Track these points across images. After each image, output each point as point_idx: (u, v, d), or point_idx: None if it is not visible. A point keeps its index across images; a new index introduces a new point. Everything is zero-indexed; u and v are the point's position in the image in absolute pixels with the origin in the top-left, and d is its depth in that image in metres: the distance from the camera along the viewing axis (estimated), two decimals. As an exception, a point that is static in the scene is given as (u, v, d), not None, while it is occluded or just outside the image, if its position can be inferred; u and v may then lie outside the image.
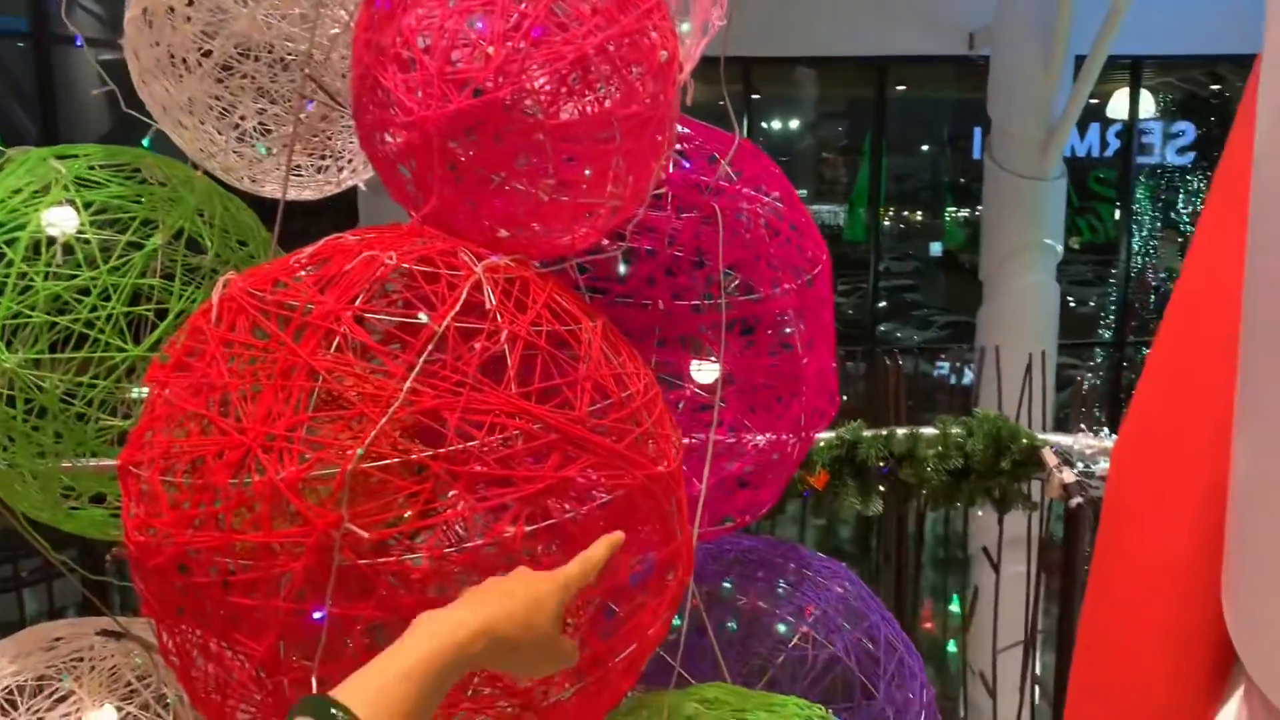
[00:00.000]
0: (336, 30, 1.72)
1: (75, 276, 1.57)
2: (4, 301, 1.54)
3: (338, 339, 1.10)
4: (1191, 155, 11.55)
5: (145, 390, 1.29)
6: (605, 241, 1.63)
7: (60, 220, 1.60)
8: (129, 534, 1.16)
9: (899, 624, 1.88)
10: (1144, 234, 11.80)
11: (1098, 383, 11.59)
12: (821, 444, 2.66)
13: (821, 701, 1.56)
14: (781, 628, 1.74)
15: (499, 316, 1.14)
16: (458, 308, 1.12)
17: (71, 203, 1.62)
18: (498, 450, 1.09)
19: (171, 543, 1.10)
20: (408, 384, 1.07)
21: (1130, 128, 10.74)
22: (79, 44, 2.20)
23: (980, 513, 3.02)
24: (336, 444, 1.06)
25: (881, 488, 2.71)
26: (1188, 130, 11.41)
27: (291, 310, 1.13)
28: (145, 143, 1.82)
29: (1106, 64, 7.80)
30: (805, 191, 11.43)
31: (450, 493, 1.10)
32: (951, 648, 5.74)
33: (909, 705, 1.70)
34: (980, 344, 7.99)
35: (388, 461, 1.05)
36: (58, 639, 1.79)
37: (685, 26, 1.63)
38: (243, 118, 1.82)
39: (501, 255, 1.23)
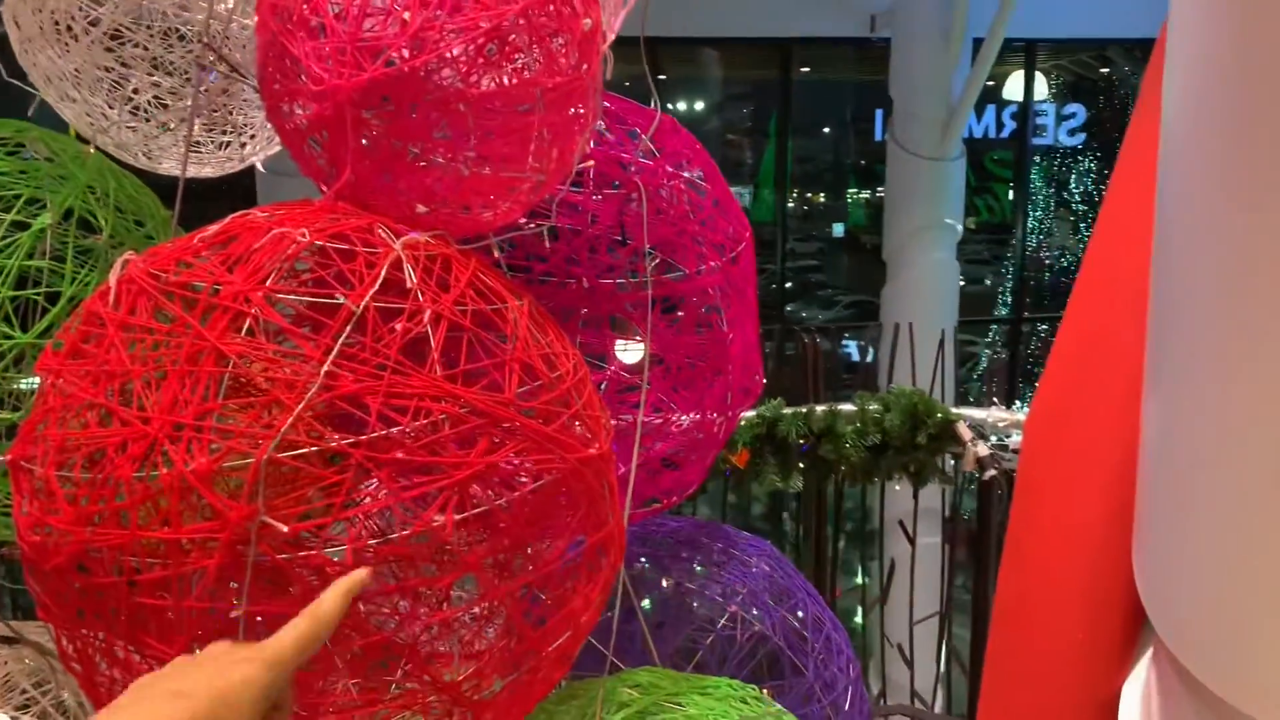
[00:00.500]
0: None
1: (-47, 260, 1.47)
2: (-126, 287, 1.43)
3: (248, 321, 1.04)
4: (1082, 136, 11.94)
5: (36, 380, 1.21)
6: (524, 221, 1.58)
7: (-65, 199, 1.49)
8: (21, 534, 1.08)
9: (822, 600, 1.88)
10: (1038, 213, 12.16)
11: (997, 358, 11.92)
12: (743, 423, 2.66)
13: (750, 680, 1.54)
14: (708, 608, 1.73)
15: (420, 296, 1.09)
16: (376, 286, 1.07)
17: (-53, 180, 1.51)
18: (422, 436, 1.04)
19: (69, 542, 1.03)
20: (325, 367, 1.01)
21: (1025, 109, 11.03)
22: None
23: (898, 487, 3.06)
24: (249, 433, 1.00)
25: (801, 464, 2.73)
26: (1079, 112, 11.78)
27: (197, 292, 1.06)
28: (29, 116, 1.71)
29: (1003, 46, 8.00)
30: (712, 173, 11.40)
31: (373, 482, 1.04)
32: (858, 618, 5.85)
33: (836, 681, 1.70)
34: (885, 322, 8.14)
35: (305, 450, 0.99)
36: (-57, 648, 1.68)
37: (604, -3, 1.59)
38: (136, 90, 1.72)
39: (421, 231, 1.17)
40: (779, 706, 1.33)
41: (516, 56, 1.24)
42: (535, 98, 1.22)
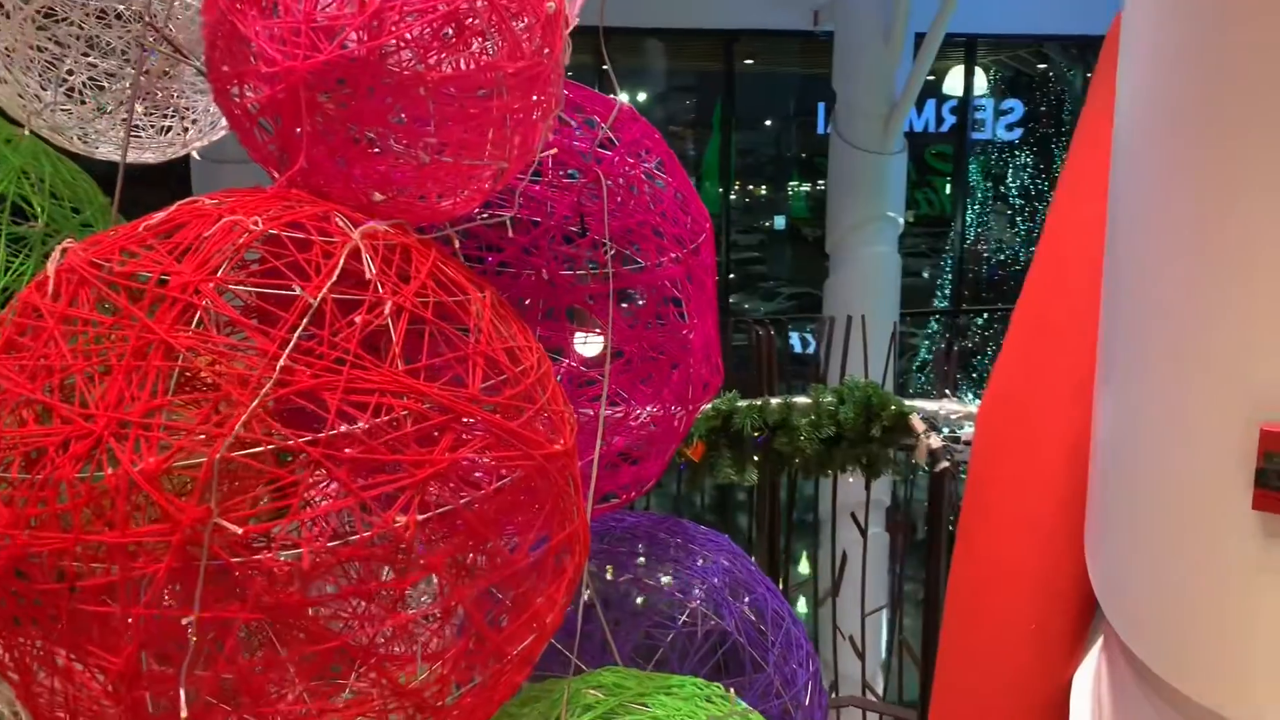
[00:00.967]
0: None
1: (-124, 247, 1.39)
2: None
3: (198, 313, 0.99)
4: (1019, 131, 12.11)
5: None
6: (478, 211, 1.54)
7: None
8: (-47, 538, 1.02)
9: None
10: (976, 207, 12.33)
11: (943, 348, 12.07)
12: (698, 416, 2.63)
13: (711, 677, 1.53)
14: (668, 605, 1.70)
15: (380, 287, 1.05)
16: (334, 277, 1.03)
17: None
18: (383, 433, 1.00)
19: (6, 546, 0.97)
20: (281, 362, 0.97)
21: (965, 104, 11.16)
22: None
23: (851, 480, 3.07)
24: (201, 430, 0.95)
25: (756, 457, 2.72)
26: (1016, 107, 11.95)
27: (143, 282, 1.01)
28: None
29: (943, 42, 8.07)
30: (655, 164, 11.37)
31: (331, 481, 1.00)
32: (802, 607, 5.87)
33: (796, 676, 1.69)
34: (828, 314, 8.19)
35: (260, 449, 0.95)
36: None
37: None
38: (70, 71, 1.64)
39: (379, 220, 1.13)
40: (744, 705, 1.31)
41: (476, 40, 1.20)
42: (496, 82, 1.18)
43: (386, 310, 1.02)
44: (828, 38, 8.92)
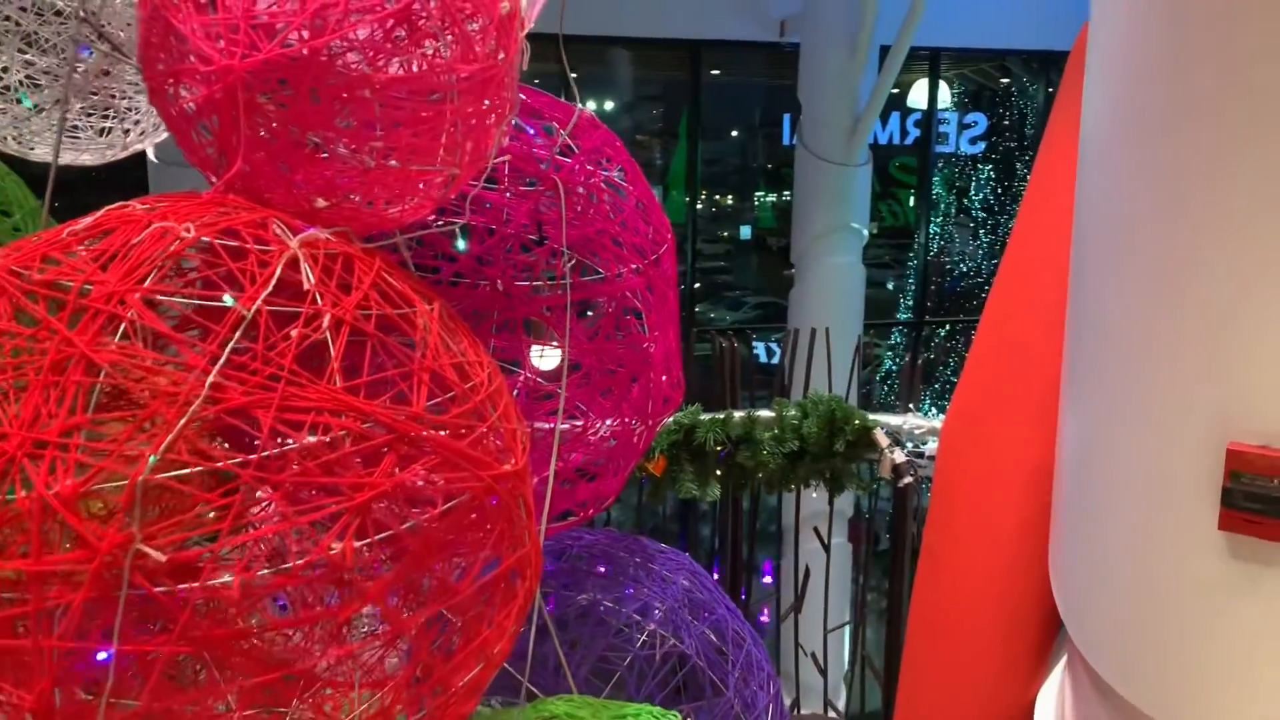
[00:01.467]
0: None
1: None
2: None
3: (124, 325, 0.93)
4: (982, 145, 12.22)
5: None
6: (433, 219, 1.49)
7: None
8: None
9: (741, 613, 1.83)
10: (939, 219, 12.41)
11: (905, 362, 12.12)
12: (659, 430, 2.59)
13: (670, 700, 1.48)
14: (626, 626, 1.65)
15: (319, 298, 0.99)
16: (270, 288, 0.97)
17: None
18: (320, 454, 0.94)
19: (-89, 573, 0.90)
20: (211, 378, 0.91)
21: (929, 117, 11.23)
22: None
23: (815, 495, 3.03)
24: (123, 451, 0.89)
25: (718, 471, 2.67)
26: (980, 121, 12.05)
27: (65, 291, 0.95)
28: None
29: (908, 55, 8.11)
30: (621, 173, 11.35)
31: (264, 505, 0.94)
32: (765, 617, 5.83)
33: (757, 699, 1.65)
34: (793, 325, 8.19)
35: (188, 470, 0.89)
36: None
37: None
38: (4, 69, 1.57)
39: (320, 228, 1.07)
40: (703, 734, 1.26)
41: (429, 42, 1.15)
42: (448, 86, 1.13)
43: (325, 323, 0.96)
44: (794, 49, 8.95)
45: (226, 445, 1.09)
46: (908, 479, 2.52)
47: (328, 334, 0.96)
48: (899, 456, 2.55)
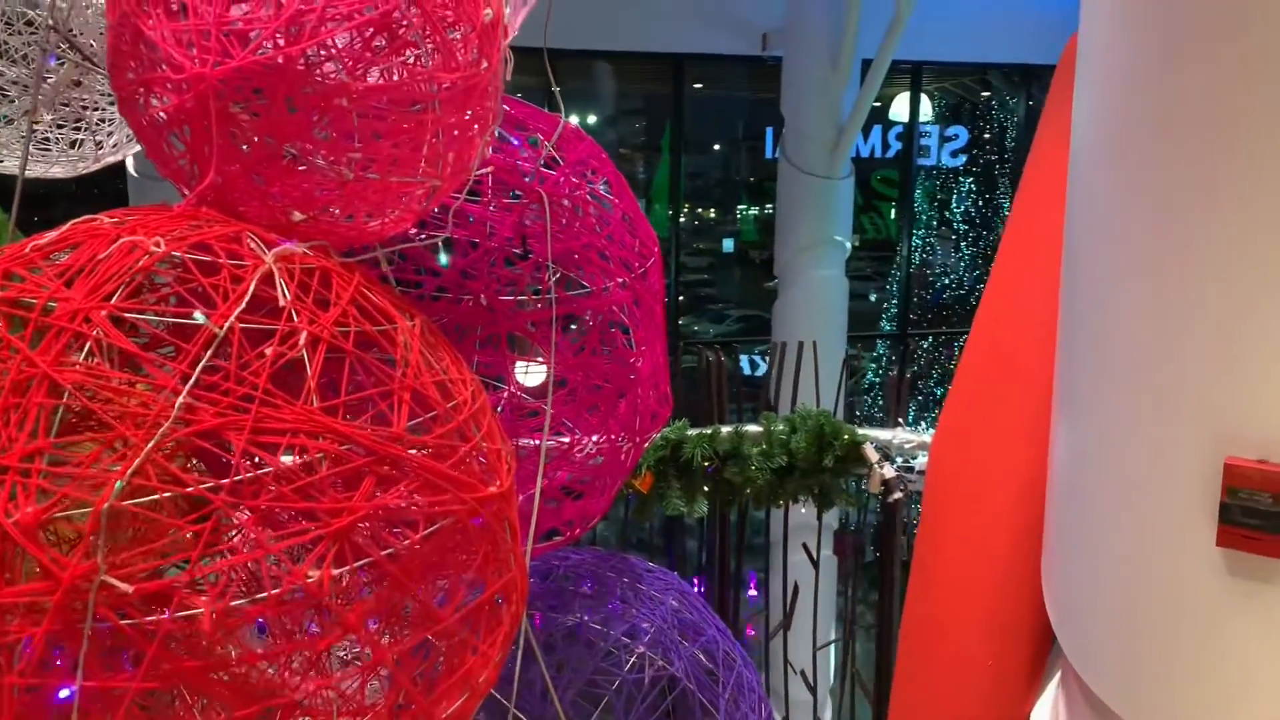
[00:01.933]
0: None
1: None
2: None
3: (89, 344, 0.89)
4: (963, 158, 12.28)
5: None
6: (415, 231, 1.46)
7: None
8: None
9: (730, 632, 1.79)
10: (921, 232, 12.46)
11: (888, 374, 12.14)
12: (647, 445, 2.55)
13: (659, 726, 1.44)
14: (614, 648, 1.61)
15: (295, 315, 0.95)
16: (243, 304, 0.93)
17: None
18: (297, 477, 0.90)
19: None
20: (181, 399, 0.87)
21: (911, 130, 11.27)
22: None
23: (804, 510, 3.00)
24: (88, 476, 0.85)
25: (706, 487, 2.64)
26: (961, 134, 12.11)
27: (28, 309, 0.91)
28: None
29: (890, 68, 8.13)
30: (604, 187, 11.34)
31: (237, 531, 0.90)
32: (753, 631, 5.78)
33: (748, 723, 1.61)
34: (777, 338, 8.17)
35: (156, 496, 0.85)
36: None
37: (503, -8, 1.47)
38: (-29, 79, 1.52)
39: (297, 242, 1.03)
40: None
41: (410, 50, 1.11)
42: (429, 95, 1.10)
43: (301, 341, 0.92)
44: (776, 63, 8.96)
45: (202, 467, 1.05)
46: (897, 494, 2.50)
47: (304, 352, 0.92)
48: (889, 471, 2.53)
